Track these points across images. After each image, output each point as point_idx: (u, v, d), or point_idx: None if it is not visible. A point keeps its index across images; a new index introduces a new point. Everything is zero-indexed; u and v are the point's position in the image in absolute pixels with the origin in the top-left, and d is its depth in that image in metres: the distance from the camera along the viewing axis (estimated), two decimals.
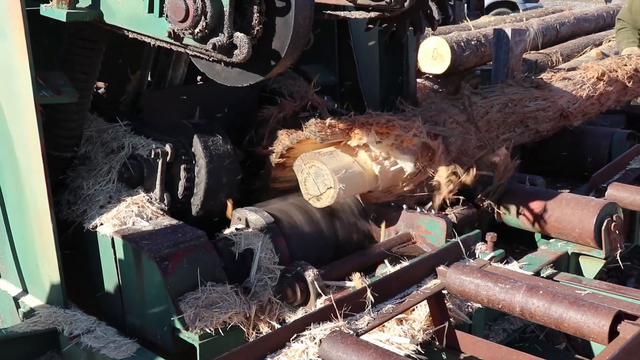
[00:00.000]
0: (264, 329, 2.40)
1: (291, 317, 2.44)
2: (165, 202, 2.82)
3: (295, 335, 1.96)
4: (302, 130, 2.89)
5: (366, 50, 3.86)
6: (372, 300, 2.18)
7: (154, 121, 3.09)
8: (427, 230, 2.91)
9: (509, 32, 4.32)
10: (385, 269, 2.69)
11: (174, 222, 2.68)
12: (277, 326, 2.37)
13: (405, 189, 2.99)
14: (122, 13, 2.36)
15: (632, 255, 4.16)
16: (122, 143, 2.92)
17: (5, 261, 2.89)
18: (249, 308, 2.42)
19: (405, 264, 2.61)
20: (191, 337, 2.33)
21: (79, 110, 2.82)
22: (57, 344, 2.51)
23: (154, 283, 2.44)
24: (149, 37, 2.33)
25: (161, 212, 2.76)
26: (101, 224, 2.65)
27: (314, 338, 1.95)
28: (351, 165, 2.81)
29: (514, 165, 3.28)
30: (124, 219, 2.65)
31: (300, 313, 2.45)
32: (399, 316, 2.22)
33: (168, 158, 2.82)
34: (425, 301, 2.25)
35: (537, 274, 2.73)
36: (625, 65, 4.45)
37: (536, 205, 3.14)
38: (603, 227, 2.90)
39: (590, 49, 6.14)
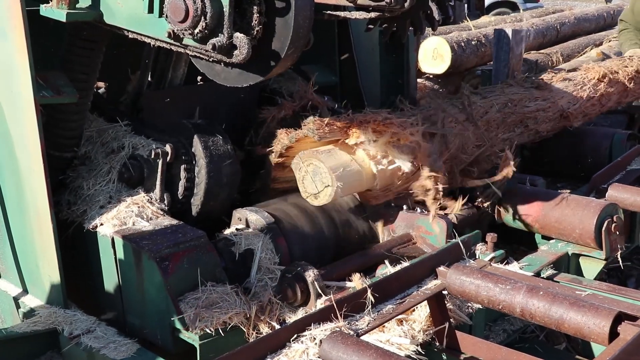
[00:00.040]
0: (264, 330, 2.40)
1: (291, 318, 2.44)
2: (166, 202, 2.82)
3: (295, 336, 1.96)
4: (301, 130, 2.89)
5: (366, 51, 3.86)
6: (373, 300, 2.18)
7: (154, 121, 3.09)
8: (427, 230, 2.91)
9: (509, 32, 4.32)
10: (386, 270, 2.69)
11: (174, 222, 2.68)
12: (278, 326, 2.38)
13: (402, 187, 2.98)
14: (122, 13, 2.36)
15: (633, 256, 4.16)
16: (122, 143, 2.92)
17: (5, 261, 2.89)
18: (249, 308, 2.42)
19: (405, 264, 2.61)
20: (191, 337, 2.33)
21: (79, 111, 2.81)
22: (57, 344, 2.51)
23: (154, 283, 2.44)
24: (148, 37, 2.33)
25: (161, 212, 2.76)
26: (101, 224, 2.65)
27: (314, 338, 1.95)
28: (349, 163, 2.81)
29: (515, 166, 3.27)
30: (124, 219, 2.65)
31: (300, 313, 2.45)
32: (399, 317, 2.22)
33: (168, 158, 2.82)
34: (425, 302, 2.25)
35: (538, 274, 2.73)
36: (627, 66, 4.44)
37: (536, 206, 3.14)
38: (603, 228, 2.90)
39: (591, 49, 6.14)
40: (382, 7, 2.62)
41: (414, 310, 2.28)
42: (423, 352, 2.14)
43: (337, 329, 1.96)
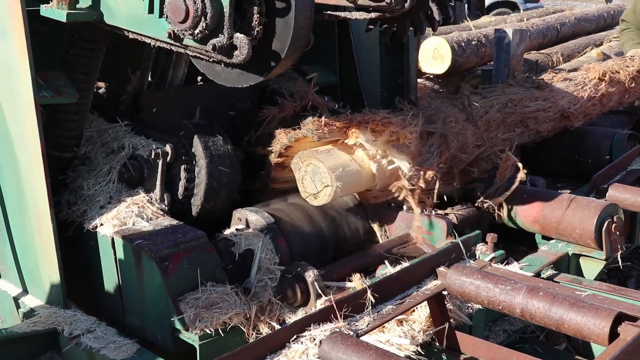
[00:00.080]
0: (264, 330, 2.40)
1: (291, 318, 2.44)
2: (166, 202, 2.82)
3: (295, 336, 1.97)
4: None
5: (367, 51, 3.86)
6: (373, 301, 2.18)
7: (154, 121, 3.09)
8: (427, 231, 2.91)
9: (510, 32, 4.32)
10: (386, 270, 2.69)
11: (174, 222, 2.69)
12: (277, 327, 2.38)
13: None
14: (122, 14, 2.36)
15: (633, 257, 4.16)
16: (122, 143, 2.92)
17: (5, 261, 2.89)
18: (249, 309, 2.42)
19: (405, 264, 2.61)
20: (191, 337, 2.33)
21: (79, 111, 2.82)
22: (57, 344, 2.51)
23: (154, 283, 2.44)
24: (149, 37, 2.33)
25: (161, 213, 2.76)
26: (101, 225, 2.65)
27: (314, 339, 1.95)
28: (348, 163, 2.81)
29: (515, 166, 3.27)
30: (124, 219, 2.65)
31: (300, 314, 2.45)
32: (399, 317, 2.21)
33: (168, 158, 2.82)
34: (425, 302, 2.25)
35: (538, 275, 2.73)
36: (628, 66, 4.44)
37: (537, 206, 3.13)
38: (604, 228, 2.90)
39: (591, 49, 6.14)
40: (383, 7, 2.62)
41: (414, 310, 2.28)
42: (423, 353, 2.14)
43: (337, 330, 1.96)
